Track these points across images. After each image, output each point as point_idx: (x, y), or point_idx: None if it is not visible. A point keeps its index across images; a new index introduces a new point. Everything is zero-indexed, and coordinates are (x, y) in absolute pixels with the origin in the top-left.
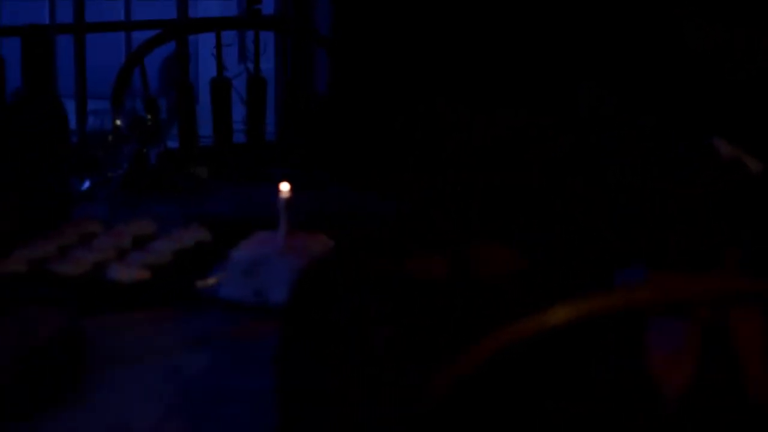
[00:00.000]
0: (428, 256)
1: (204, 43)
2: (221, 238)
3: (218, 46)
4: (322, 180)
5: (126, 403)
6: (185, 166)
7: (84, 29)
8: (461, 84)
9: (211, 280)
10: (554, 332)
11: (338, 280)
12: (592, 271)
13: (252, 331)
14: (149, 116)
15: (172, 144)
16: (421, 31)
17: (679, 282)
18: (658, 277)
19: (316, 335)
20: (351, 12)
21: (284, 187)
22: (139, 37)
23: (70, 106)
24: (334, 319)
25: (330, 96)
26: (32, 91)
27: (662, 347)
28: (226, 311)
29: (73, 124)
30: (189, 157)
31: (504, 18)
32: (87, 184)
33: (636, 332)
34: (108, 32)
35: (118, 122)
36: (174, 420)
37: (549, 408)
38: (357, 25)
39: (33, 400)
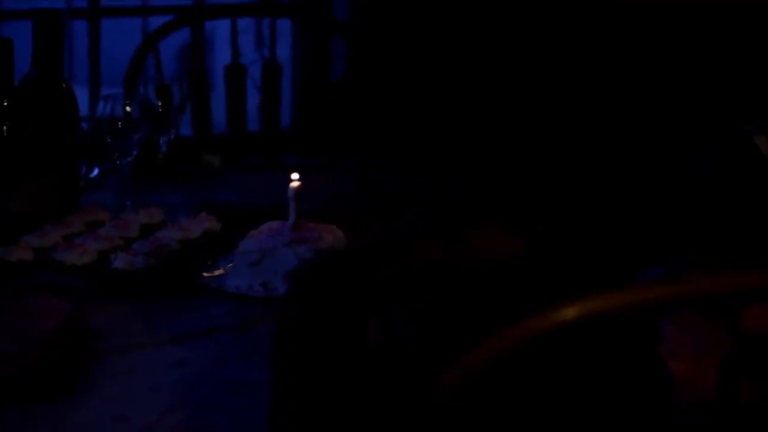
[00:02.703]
0: (428, 244)
1: (221, 29)
2: (232, 228)
3: (233, 32)
4: (337, 167)
5: (129, 392)
6: (197, 153)
7: (99, 14)
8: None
9: (218, 271)
10: (564, 330)
11: (338, 276)
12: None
13: (258, 322)
14: (160, 103)
15: (187, 131)
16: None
17: (706, 276)
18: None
19: (312, 331)
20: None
21: (294, 176)
22: (158, 23)
23: (86, 93)
24: (331, 315)
25: (347, 83)
26: (41, 76)
27: (687, 347)
28: (233, 302)
29: (86, 110)
30: (201, 144)
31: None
32: (96, 172)
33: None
34: (126, 18)
35: (128, 108)
36: (178, 410)
37: (566, 408)
38: (374, 13)
39: (36, 389)
